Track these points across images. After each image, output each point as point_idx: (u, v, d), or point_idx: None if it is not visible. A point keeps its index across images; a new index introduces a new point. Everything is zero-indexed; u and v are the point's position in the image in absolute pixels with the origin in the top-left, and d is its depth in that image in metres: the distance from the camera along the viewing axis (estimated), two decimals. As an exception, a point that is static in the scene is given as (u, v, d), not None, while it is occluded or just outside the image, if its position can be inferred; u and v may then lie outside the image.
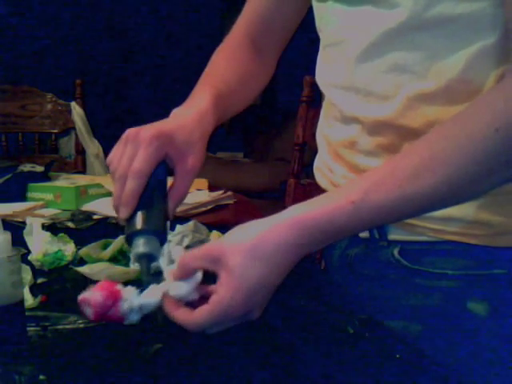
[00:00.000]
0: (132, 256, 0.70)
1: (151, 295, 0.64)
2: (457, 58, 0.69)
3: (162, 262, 0.68)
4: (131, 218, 0.71)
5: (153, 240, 0.69)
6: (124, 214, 0.71)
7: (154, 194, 0.72)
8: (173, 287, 0.64)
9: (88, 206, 1.26)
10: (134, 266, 0.80)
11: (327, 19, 0.80)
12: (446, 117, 0.69)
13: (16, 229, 1.02)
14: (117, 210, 0.72)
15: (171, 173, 0.76)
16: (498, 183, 0.64)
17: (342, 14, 0.76)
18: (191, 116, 0.78)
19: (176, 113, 0.80)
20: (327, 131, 0.86)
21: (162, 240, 0.71)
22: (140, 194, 0.71)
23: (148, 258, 0.68)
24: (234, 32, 0.98)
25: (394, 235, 0.78)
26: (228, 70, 0.92)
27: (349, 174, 0.80)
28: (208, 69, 0.92)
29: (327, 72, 0.83)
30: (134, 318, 0.64)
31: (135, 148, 0.72)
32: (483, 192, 0.67)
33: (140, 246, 0.68)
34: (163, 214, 0.73)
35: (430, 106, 0.71)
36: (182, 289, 0.63)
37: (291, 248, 0.61)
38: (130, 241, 0.70)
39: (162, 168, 0.74)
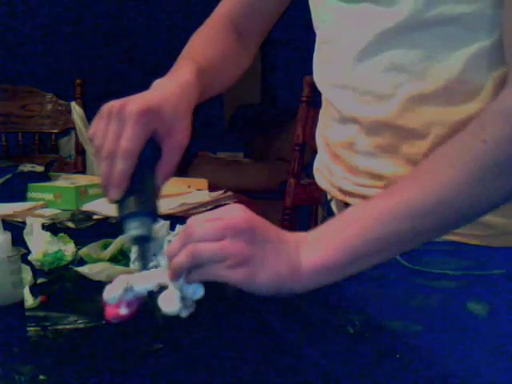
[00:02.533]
0: (126, 238, 0.69)
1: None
2: (455, 58, 0.68)
3: (162, 261, 0.68)
4: (122, 199, 0.69)
5: (146, 221, 0.68)
6: (115, 195, 0.69)
7: (144, 172, 0.70)
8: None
9: (88, 206, 1.26)
10: (134, 266, 0.80)
11: (324, 16, 0.79)
12: (445, 117, 0.69)
13: (16, 229, 1.02)
14: (106, 190, 0.70)
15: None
16: (497, 195, 0.63)
17: (340, 10, 0.75)
18: (174, 88, 0.76)
19: (158, 84, 0.77)
20: (326, 132, 0.86)
21: (155, 220, 0.70)
22: (130, 175, 0.69)
23: (142, 240, 0.68)
24: (216, 14, 0.96)
25: (395, 235, 0.78)
26: (209, 48, 0.90)
27: (348, 174, 0.80)
28: (188, 46, 0.90)
29: (324, 70, 0.83)
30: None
31: (121, 124, 0.69)
32: (483, 208, 0.66)
33: (134, 228, 0.68)
34: (154, 193, 0.71)
35: (429, 106, 0.71)
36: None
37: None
38: (122, 223, 0.69)
39: (151, 145, 0.71)
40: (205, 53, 0.88)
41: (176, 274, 0.64)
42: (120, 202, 0.69)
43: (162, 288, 0.65)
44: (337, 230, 0.65)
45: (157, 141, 0.72)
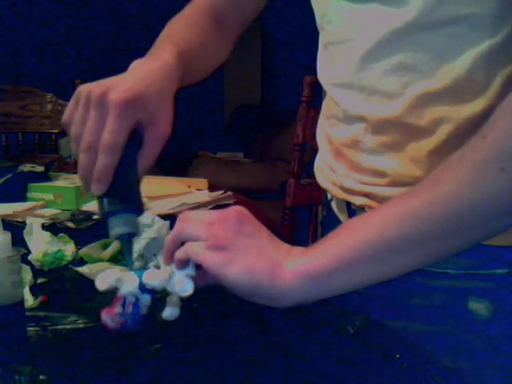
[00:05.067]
0: (111, 236, 0.68)
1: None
2: (464, 57, 0.68)
3: (161, 260, 0.68)
4: (105, 195, 0.67)
5: (131, 218, 0.67)
6: (98, 190, 0.67)
7: (127, 165, 0.68)
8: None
9: (88, 206, 1.26)
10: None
11: (331, 17, 0.78)
12: (452, 115, 0.69)
13: (16, 229, 1.02)
14: (86, 183, 0.68)
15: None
16: (501, 195, 0.58)
17: (348, 11, 0.75)
18: (156, 70, 0.72)
19: (138, 65, 0.73)
20: (329, 130, 0.85)
21: (139, 214, 0.69)
22: (114, 169, 0.66)
23: (128, 238, 0.67)
24: (196, 2, 0.94)
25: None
26: (189, 34, 0.87)
27: (351, 172, 0.80)
28: (167, 30, 0.87)
29: (329, 70, 0.82)
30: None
31: (103, 114, 0.65)
32: (487, 214, 0.59)
33: (119, 226, 0.67)
34: (138, 187, 0.70)
35: (436, 104, 0.71)
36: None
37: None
38: (106, 219, 0.67)
39: (133, 135, 0.68)
40: (185, 38, 0.85)
41: (167, 254, 0.64)
42: (103, 198, 0.68)
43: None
44: (326, 240, 0.63)
45: (139, 131, 0.69)
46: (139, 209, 0.69)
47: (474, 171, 0.58)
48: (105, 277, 0.65)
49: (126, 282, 0.64)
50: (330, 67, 0.82)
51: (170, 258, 0.65)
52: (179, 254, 0.63)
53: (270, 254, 0.61)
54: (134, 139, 0.68)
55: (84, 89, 0.68)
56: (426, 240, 0.60)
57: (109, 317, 0.64)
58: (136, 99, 0.67)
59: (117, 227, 0.67)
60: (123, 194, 0.68)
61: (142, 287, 0.64)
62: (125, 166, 0.67)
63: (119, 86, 0.67)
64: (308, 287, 0.60)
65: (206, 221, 0.62)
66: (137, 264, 0.70)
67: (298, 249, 0.64)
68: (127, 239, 0.67)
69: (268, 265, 0.60)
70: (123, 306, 0.64)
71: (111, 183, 0.67)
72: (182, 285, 0.63)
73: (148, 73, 0.72)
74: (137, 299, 0.64)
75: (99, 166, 0.66)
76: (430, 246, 0.60)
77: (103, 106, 0.66)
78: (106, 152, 0.66)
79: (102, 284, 0.64)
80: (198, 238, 0.61)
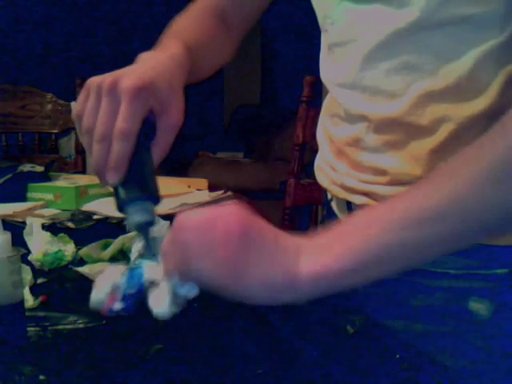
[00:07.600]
0: (129, 225, 0.67)
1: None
2: (466, 57, 0.68)
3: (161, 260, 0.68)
4: (121, 184, 0.66)
5: (149, 206, 0.67)
6: (114, 179, 0.65)
7: (141, 153, 0.67)
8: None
9: (88, 206, 1.26)
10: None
11: (333, 18, 0.78)
12: (454, 113, 0.69)
13: (16, 229, 1.02)
14: (101, 173, 0.66)
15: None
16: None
17: (351, 12, 0.75)
18: (167, 59, 0.72)
19: (147, 56, 0.73)
20: (330, 129, 0.85)
21: (157, 202, 0.68)
22: (130, 157, 0.65)
23: (147, 226, 0.66)
24: (201, 1, 0.94)
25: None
26: (196, 31, 0.86)
27: (352, 171, 0.80)
28: (173, 27, 0.86)
29: (333, 71, 0.82)
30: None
31: (115, 102, 0.65)
32: (495, 214, 0.56)
33: (137, 214, 0.65)
34: (153, 175, 0.69)
35: (439, 103, 0.71)
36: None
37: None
38: (123, 209, 0.66)
39: (146, 123, 0.67)
40: (191, 34, 0.84)
41: (166, 265, 0.60)
42: (119, 187, 0.67)
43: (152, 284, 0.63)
44: (340, 237, 0.59)
45: (152, 120, 0.68)
46: (156, 197, 0.68)
47: (487, 170, 0.54)
48: (99, 288, 0.61)
49: (124, 277, 0.63)
50: (333, 68, 0.82)
51: (171, 271, 0.59)
52: (184, 277, 0.58)
53: (282, 264, 0.57)
54: (147, 128, 0.68)
55: (94, 80, 0.67)
56: (437, 236, 0.56)
57: (112, 312, 0.63)
58: (147, 86, 0.66)
59: (135, 215, 0.66)
60: (139, 183, 0.67)
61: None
62: (139, 155, 0.66)
63: (130, 75, 0.67)
64: (324, 287, 0.58)
65: (207, 241, 0.55)
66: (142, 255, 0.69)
67: (305, 243, 0.59)
68: (145, 228, 0.66)
69: (283, 276, 0.56)
70: (124, 300, 0.63)
71: (127, 172, 0.66)
72: (188, 290, 0.61)
73: (158, 62, 0.72)
74: (138, 290, 0.63)
75: (114, 153, 0.65)
76: (445, 241, 0.57)
77: (115, 94, 0.65)
78: (120, 139, 0.64)
79: (98, 300, 0.61)
80: (204, 267, 0.55)
